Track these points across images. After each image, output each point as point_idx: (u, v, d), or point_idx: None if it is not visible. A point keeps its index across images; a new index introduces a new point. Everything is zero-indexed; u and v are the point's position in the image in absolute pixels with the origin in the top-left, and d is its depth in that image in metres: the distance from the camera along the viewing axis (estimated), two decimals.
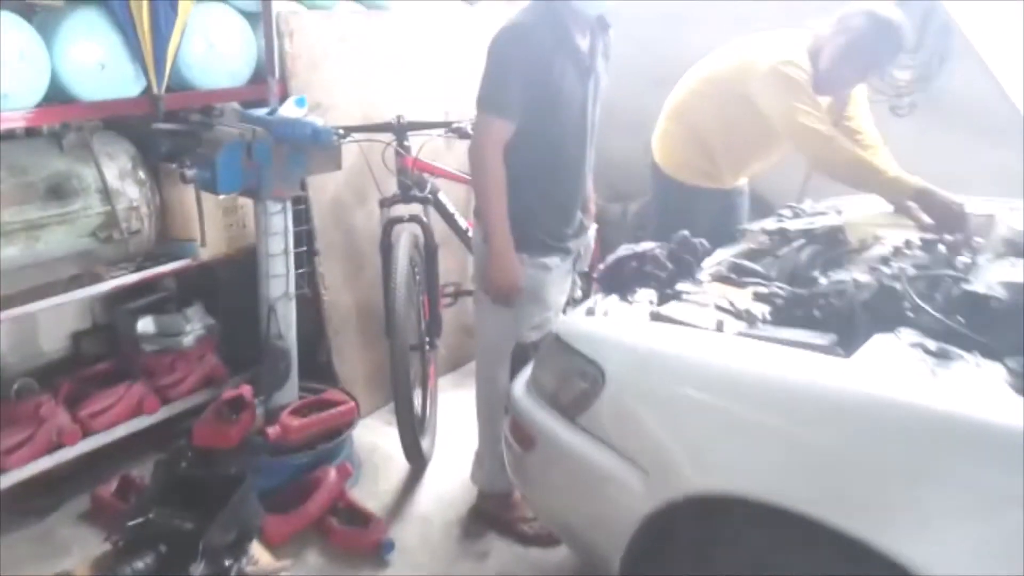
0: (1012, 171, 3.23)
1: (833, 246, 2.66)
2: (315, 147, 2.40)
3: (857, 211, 2.72)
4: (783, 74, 2.48)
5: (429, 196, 2.88)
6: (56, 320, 2.77)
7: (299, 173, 2.46)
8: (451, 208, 3.05)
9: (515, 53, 2.04)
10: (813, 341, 1.68)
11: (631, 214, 4.20)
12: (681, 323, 1.81)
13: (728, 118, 2.74)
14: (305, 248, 2.77)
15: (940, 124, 3.26)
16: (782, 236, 2.55)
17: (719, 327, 1.77)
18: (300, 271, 2.65)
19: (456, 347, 3.49)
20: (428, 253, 2.90)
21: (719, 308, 1.90)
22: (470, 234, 3.04)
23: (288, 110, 2.40)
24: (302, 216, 2.90)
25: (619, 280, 2.21)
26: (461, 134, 2.79)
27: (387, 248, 2.78)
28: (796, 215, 2.85)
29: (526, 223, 2.20)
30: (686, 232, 2.31)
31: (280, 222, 2.46)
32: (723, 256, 2.43)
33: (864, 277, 2.05)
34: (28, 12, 2.24)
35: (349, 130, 2.77)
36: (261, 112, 2.42)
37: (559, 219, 2.29)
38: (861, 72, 2.55)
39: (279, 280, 2.49)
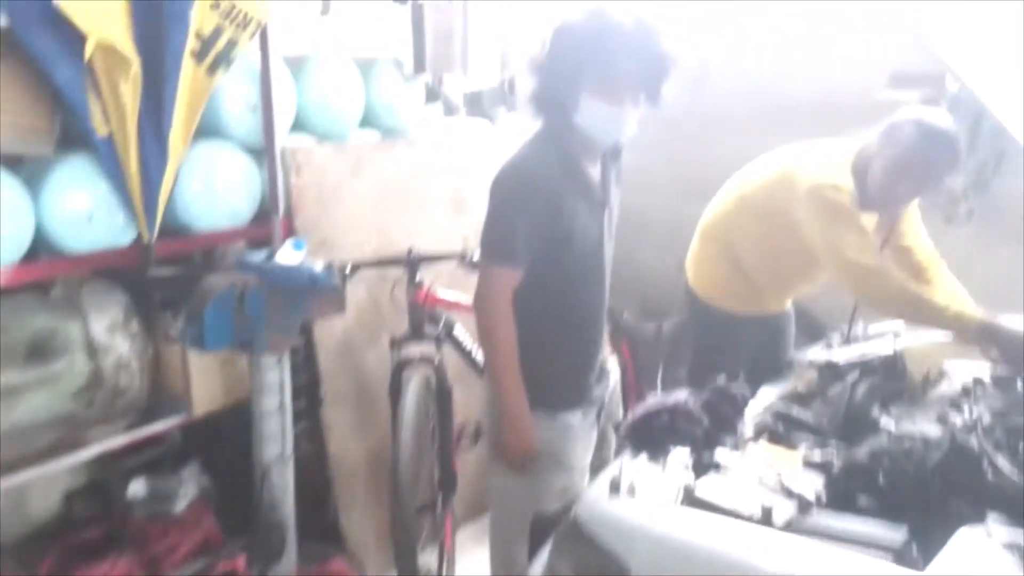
0: None
1: (892, 378, 2.40)
2: (315, 292, 2.22)
3: (917, 337, 2.45)
4: (825, 199, 2.27)
5: (442, 333, 2.67)
6: (46, 483, 2.58)
7: (298, 322, 2.27)
8: (469, 343, 2.84)
9: (520, 195, 1.85)
10: (881, 539, 1.38)
11: (665, 333, 3.95)
12: (720, 510, 1.53)
13: (768, 240, 2.52)
14: (304, 402, 2.56)
15: (999, 232, 3.01)
16: (832, 371, 2.29)
17: (766, 516, 1.48)
18: (301, 425, 2.43)
19: (481, 492, 3.21)
20: (441, 398, 2.67)
21: (764, 484, 1.62)
22: None
23: (285, 254, 2.23)
24: (308, 361, 2.72)
25: (648, 436, 1.94)
26: (472, 267, 2.60)
27: (395, 394, 2.57)
28: (847, 341, 2.60)
29: (541, 377, 1.96)
30: (722, 380, 2.05)
31: (276, 377, 2.26)
32: (768, 397, 2.17)
33: (933, 429, 1.77)
34: (15, 163, 2.14)
35: (357, 266, 2.61)
36: (257, 257, 2.26)
37: (579, 368, 2.04)
38: (915, 188, 2.31)
39: (274, 440, 2.27)
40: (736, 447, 1.83)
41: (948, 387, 2.14)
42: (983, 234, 2.98)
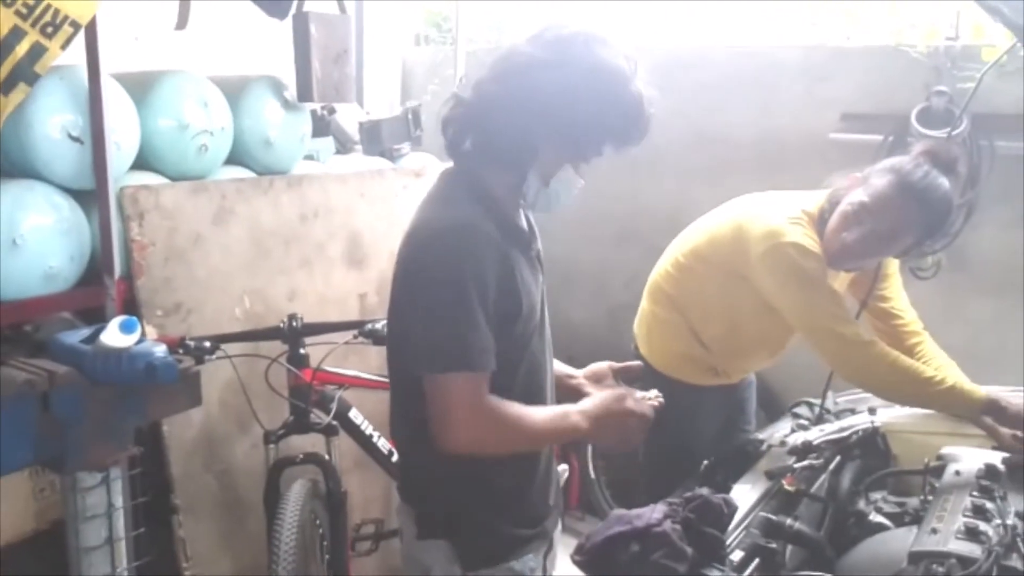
0: None
1: (873, 459, 2.09)
2: (155, 386, 1.67)
3: (895, 411, 2.16)
4: (790, 261, 1.96)
5: (334, 423, 2.16)
6: None
7: (132, 426, 1.72)
8: (368, 428, 2.34)
9: (473, 264, 1.32)
10: None
11: None
12: None
13: (725, 302, 2.19)
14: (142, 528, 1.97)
15: (968, 286, 2.80)
16: (811, 456, 1.96)
17: None
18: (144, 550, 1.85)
19: None
20: (332, 504, 2.15)
21: None
22: (394, 459, 2.34)
23: (113, 335, 1.68)
24: (154, 460, 2.15)
25: (611, 570, 1.50)
26: (377, 338, 2.11)
27: (272, 503, 2.04)
28: (818, 417, 2.29)
29: (481, 512, 1.48)
30: (705, 491, 1.63)
31: (101, 500, 1.69)
32: (746, 498, 1.81)
33: (961, 546, 1.46)
34: None
35: (219, 341, 2.07)
36: (72, 338, 1.70)
37: (544, 486, 1.58)
38: (876, 245, 2.00)
39: None
40: None
41: (955, 480, 1.81)
42: (951, 288, 2.75)
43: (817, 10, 3.17)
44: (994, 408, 1.88)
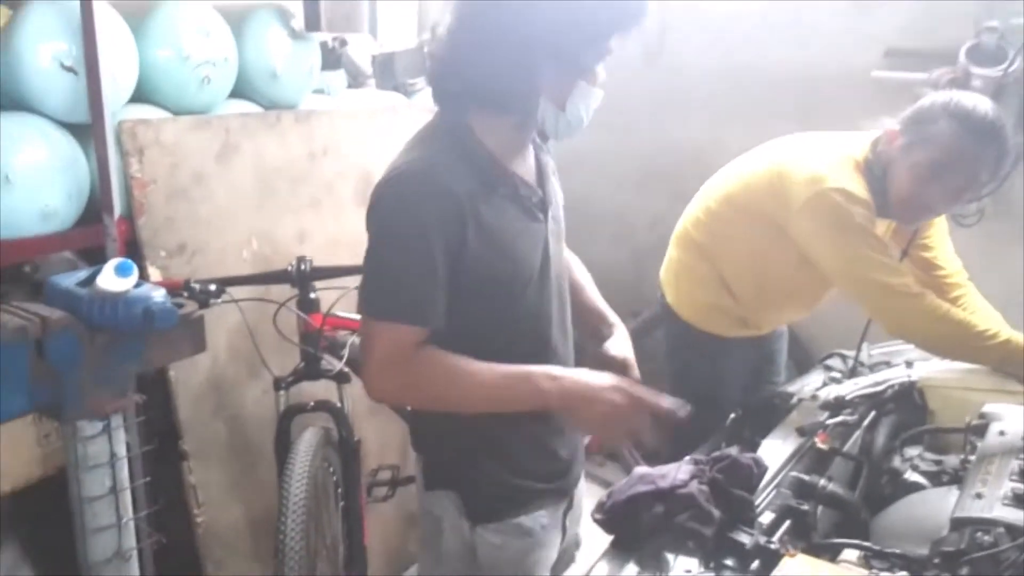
0: None
1: (910, 415, 2.00)
2: (155, 332, 1.59)
3: (933, 365, 2.05)
4: (834, 208, 1.83)
5: (346, 369, 2.08)
6: None
7: (131, 372, 1.64)
8: None
9: (412, 217, 1.23)
10: None
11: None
12: None
13: (759, 251, 2.08)
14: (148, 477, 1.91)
15: (1011, 233, 2.65)
16: (845, 412, 1.90)
17: None
18: (154, 501, 1.79)
19: (399, 547, 2.65)
20: (345, 453, 2.09)
21: None
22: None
23: (108, 279, 1.58)
24: (163, 405, 2.09)
25: (635, 532, 1.43)
26: None
27: (283, 451, 1.98)
28: (852, 370, 2.19)
29: (486, 463, 1.40)
30: (734, 450, 1.55)
31: (103, 449, 1.62)
32: (776, 457, 1.74)
33: (1008, 513, 1.37)
34: None
35: (225, 284, 1.98)
36: (68, 281, 1.61)
37: (542, 441, 1.48)
38: (955, 196, 1.86)
39: (106, 535, 1.64)
40: (758, 554, 1.34)
41: (1000, 441, 1.71)
42: (993, 236, 2.60)
43: None
44: None
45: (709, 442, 1.91)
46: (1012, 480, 1.49)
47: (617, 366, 1.46)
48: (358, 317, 2.20)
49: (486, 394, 1.28)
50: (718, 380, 2.18)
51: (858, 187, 1.84)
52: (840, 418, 1.89)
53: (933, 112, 1.83)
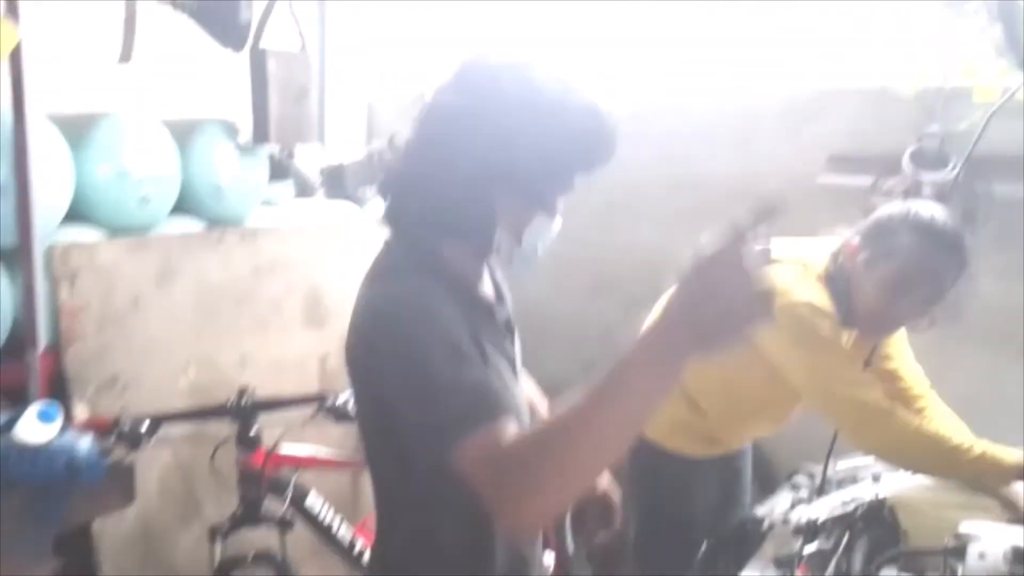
0: None
1: (881, 531, 1.89)
2: (80, 486, 1.43)
3: (900, 479, 2.01)
4: (801, 322, 1.79)
5: (289, 510, 1.92)
6: None
7: (52, 532, 1.47)
8: (327, 515, 2.08)
9: (439, 325, 1.11)
10: None
11: None
12: None
13: (726, 366, 1.99)
14: None
15: (965, 339, 2.66)
16: (821, 537, 1.81)
17: None
18: None
19: None
20: None
21: None
22: (358, 549, 2.12)
23: (29, 428, 1.43)
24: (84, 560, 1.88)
25: None
26: (340, 415, 1.89)
27: None
28: (819, 488, 2.13)
29: None
30: None
31: None
32: None
33: None
34: None
35: (158, 422, 1.82)
36: None
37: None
38: (922, 308, 1.84)
39: None
40: None
41: (982, 565, 1.64)
42: (947, 341, 2.61)
43: (797, 53, 3.07)
44: None
45: None
46: None
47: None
48: (304, 453, 2.07)
49: (600, 417, 0.95)
50: (689, 504, 2.08)
51: (823, 300, 1.81)
52: (815, 545, 1.81)
53: (893, 225, 1.83)
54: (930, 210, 1.83)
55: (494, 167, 1.14)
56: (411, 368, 1.10)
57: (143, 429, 1.75)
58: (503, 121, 1.13)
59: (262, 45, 2.29)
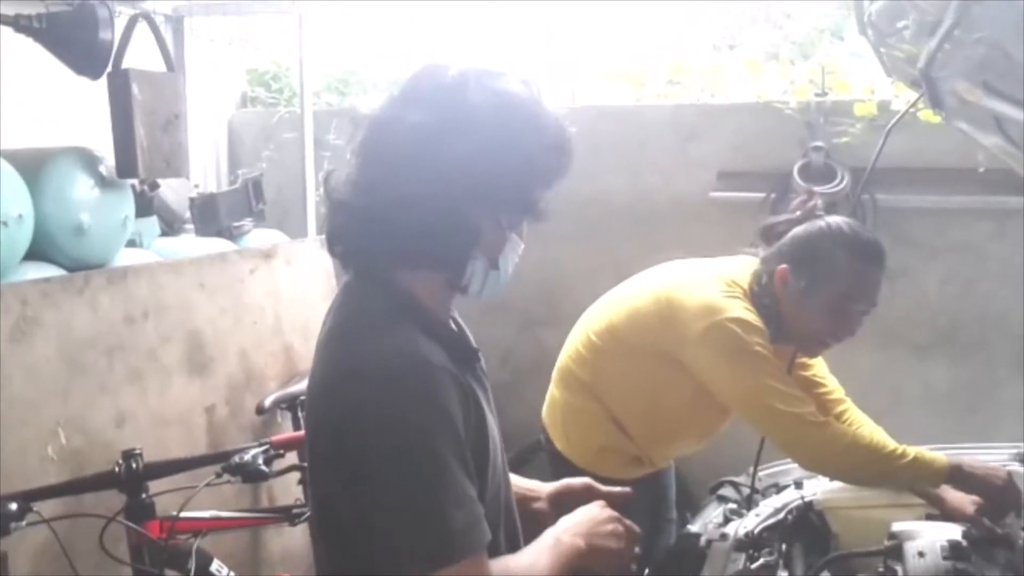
0: (938, 387, 2.85)
1: (814, 537, 1.98)
2: None
3: (823, 483, 2.07)
4: (733, 339, 1.81)
5: None
6: None
7: None
8: None
9: (436, 421, 1.03)
10: None
11: None
12: None
13: (650, 385, 2.02)
14: None
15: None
16: (765, 552, 1.82)
17: None
18: None
19: None
20: None
21: None
22: None
23: None
24: None
25: None
26: (248, 474, 1.70)
27: None
28: (748, 499, 2.17)
29: None
30: None
31: None
32: None
33: None
34: None
35: (29, 500, 1.57)
36: None
37: None
38: (859, 321, 1.89)
39: None
40: None
41: (923, 564, 1.69)
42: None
43: (679, 70, 3.16)
44: (959, 475, 1.77)
45: None
46: None
47: (575, 493, 1.42)
48: (205, 515, 1.87)
49: None
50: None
51: (752, 316, 1.83)
52: (762, 560, 1.81)
53: (823, 247, 1.84)
54: (848, 225, 1.88)
55: (471, 186, 1.06)
56: (395, 461, 1.01)
57: (11, 511, 1.50)
58: (477, 137, 1.05)
59: (124, 65, 2.07)
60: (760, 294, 1.89)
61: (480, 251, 1.12)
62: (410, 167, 1.05)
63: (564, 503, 1.36)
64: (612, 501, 1.34)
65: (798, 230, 1.89)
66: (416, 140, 1.05)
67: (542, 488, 1.45)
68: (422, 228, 1.06)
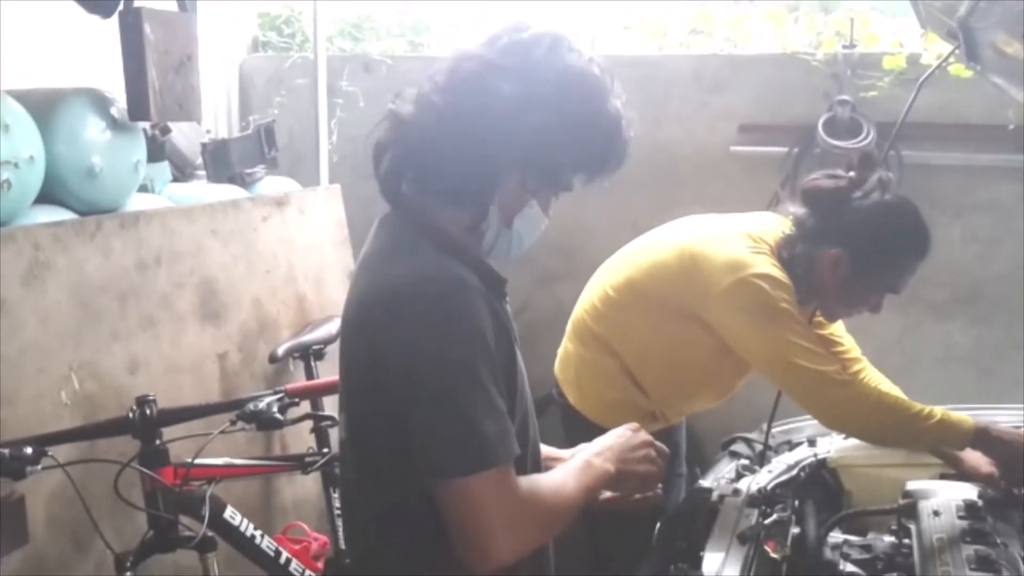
0: (958, 348, 2.82)
1: (826, 494, 1.99)
2: None
3: (836, 440, 2.06)
4: (759, 295, 1.78)
5: (210, 534, 1.72)
6: None
7: None
8: (249, 528, 1.91)
9: (469, 334, 1.08)
10: None
11: None
12: None
13: (669, 341, 2.00)
14: None
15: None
16: (778, 508, 1.78)
17: None
18: None
19: None
20: None
21: None
22: (282, 560, 1.95)
23: None
24: None
25: None
26: (264, 422, 1.70)
27: None
28: (761, 455, 2.16)
29: None
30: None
31: None
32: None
33: None
34: None
35: (44, 443, 1.58)
36: None
37: None
38: (887, 287, 1.85)
39: None
40: None
41: (938, 523, 1.69)
42: None
43: (703, 20, 3.07)
44: (985, 438, 1.74)
45: (647, 563, 1.76)
46: (973, 570, 1.46)
47: None
48: (218, 462, 1.88)
49: (579, 499, 1.20)
50: None
51: (779, 272, 1.80)
52: (775, 516, 1.81)
53: (888, 241, 1.79)
54: (912, 215, 1.82)
55: (511, 136, 1.10)
56: (430, 370, 1.06)
57: (27, 455, 1.52)
58: (533, 92, 1.10)
59: (135, 3, 2.02)
60: (791, 261, 1.84)
61: (498, 204, 1.15)
62: (457, 96, 1.10)
63: None
64: None
65: (861, 214, 1.80)
66: (471, 72, 1.11)
67: (561, 455, 1.45)
68: (450, 158, 1.11)
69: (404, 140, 1.14)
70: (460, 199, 1.14)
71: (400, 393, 1.07)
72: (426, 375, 1.06)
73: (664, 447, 1.34)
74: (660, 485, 1.39)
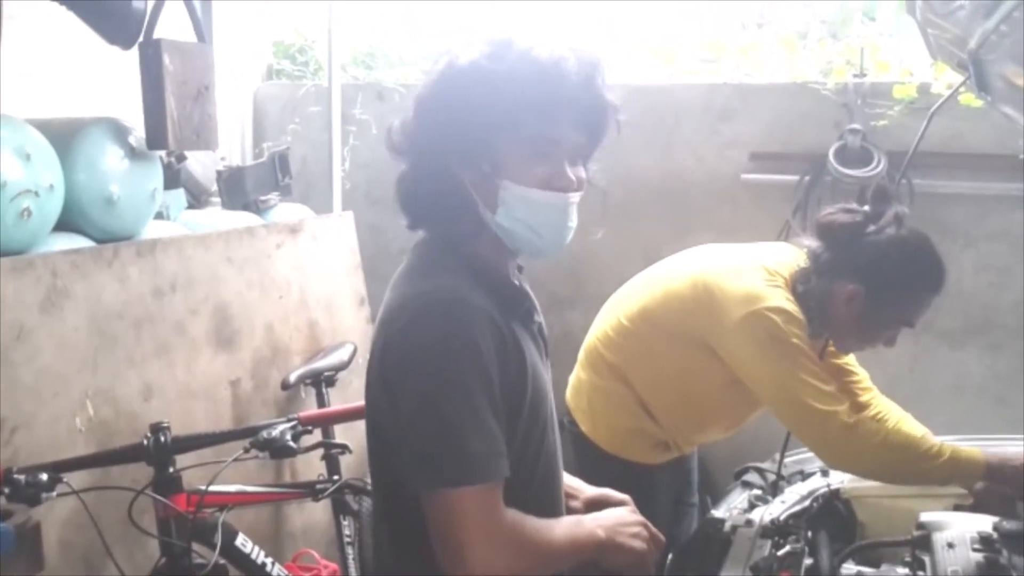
0: (971, 377, 2.81)
1: (839, 525, 1.97)
2: None
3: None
4: (772, 329, 1.78)
5: (222, 561, 1.73)
6: None
7: None
8: (260, 556, 1.92)
9: (462, 351, 1.10)
10: None
11: None
12: None
13: (681, 371, 2.00)
14: None
15: None
16: (791, 539, 1.78)
17: None
18: None
19: None
20: None
21: None
22: None
23: None
24: None
25: None
26: (277, 450, 1.71)
27: None
28: (774, 485, 2.15)
29: None
30: None
31: None
32: None
33: None
34: None
35: (59, 471, 1.59)
36: None
37: None
38: (902, 321, 1.85)
39: None
40: None
41: (952, 555, 1.67)
42: None
43: (713, 48, 3.10)
44: (997, 472, 1.74)
45: None
46: None
47: (609, 502, 1.44)
48: (231, 490, 1.89)
49: (563, 550, 1.20)
50: (650, 514, 2.03)
51: (793, 307, 1.80)
52: (788, 548, 1.80)
53: (903, 279, 1.79)
54: (927, 252, 1.81)
55: (441, 141, 1.15)
56: (426, 383, 1.09)
57: (42, 481, 1.53)
58: (441, 98, 1.15)
59: (156, 35, 2.06)
60: (806, 295, 1.84)
61: (482, 203, 1.17)
62: (437, 95, 1.17)
63: (599, 509, 1.38)
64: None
65: (877, 249, 1.79)
66: (458, 71, 1.15)
67: (582, 489, 1.47)
68: (427, 192, 1.19)
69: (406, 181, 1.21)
70: (448, 214, 1.19)
71: (392, 409, 1.12)
72: (416, 386, 1.09)
73: (659, 534, 1.35)
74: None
